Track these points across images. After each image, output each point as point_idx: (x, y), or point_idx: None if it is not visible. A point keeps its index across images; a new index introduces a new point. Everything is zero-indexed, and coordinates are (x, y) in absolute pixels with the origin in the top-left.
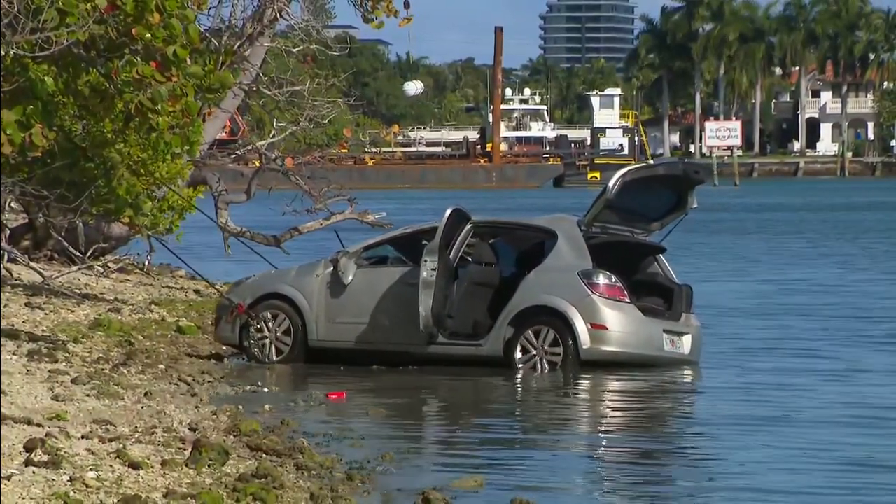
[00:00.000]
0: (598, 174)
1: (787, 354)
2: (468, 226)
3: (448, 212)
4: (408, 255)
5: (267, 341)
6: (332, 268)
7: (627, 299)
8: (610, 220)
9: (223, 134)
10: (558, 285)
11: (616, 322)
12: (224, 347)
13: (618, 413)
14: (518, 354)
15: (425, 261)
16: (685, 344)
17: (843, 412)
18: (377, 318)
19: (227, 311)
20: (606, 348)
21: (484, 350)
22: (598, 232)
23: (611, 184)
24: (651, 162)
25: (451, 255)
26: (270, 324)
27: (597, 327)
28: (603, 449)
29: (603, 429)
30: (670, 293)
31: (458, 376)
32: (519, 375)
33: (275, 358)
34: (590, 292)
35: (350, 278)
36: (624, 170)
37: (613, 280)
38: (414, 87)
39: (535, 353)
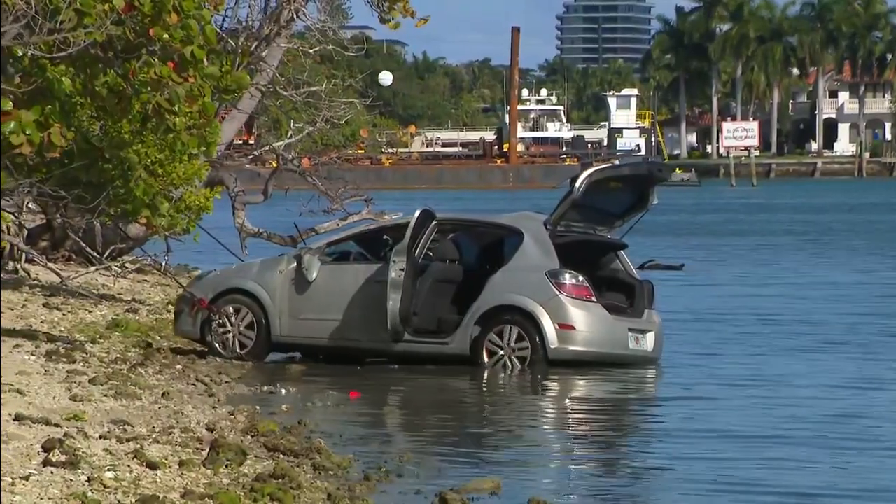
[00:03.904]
0: None
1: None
2: (433, 223)
3: (417, 213)
4: (370, 251)
5: (230, 335)
6: (295, 264)
7: (594, 299)
8: (574, 218)
9: None
10: (525, 285)
11: (583, 322)
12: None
13: (616, 416)
14: (485, 353)
15: (394, 261)
16: (648, 341)
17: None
18: (342, 316)
19: (189, 305)
20: (574, 348)
21: (450, 348)
22: (563, 231)
23: (577, 184)
24: (616, 162)
25: (416, 254)
26: (233, 318)
27: (564, 327)
28: (611, 450)
29: (616, 431)
30: (632, 289)
31: (470, 378)
32: (486, 374)
33: (239, 351)
34: (557, 292)
35: (314, 275)
36: (590, 170)
37: (580, 280)
38: (388, 78)
39: (502, 352)
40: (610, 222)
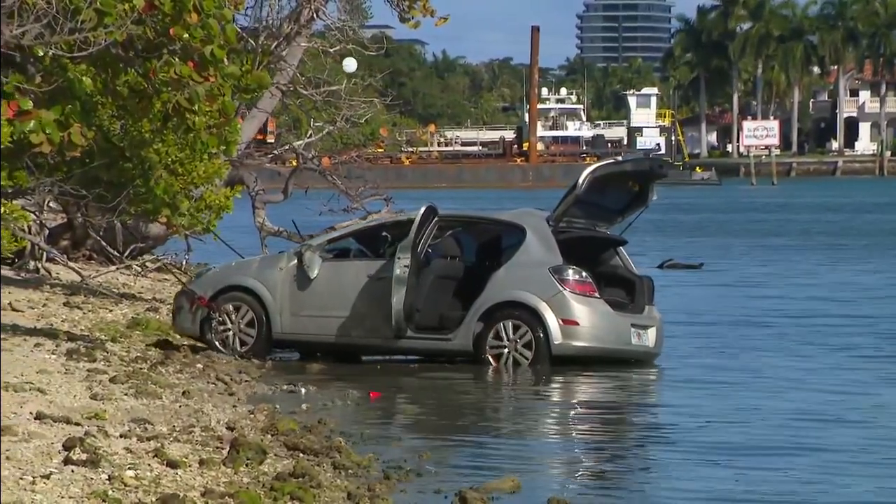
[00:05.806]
0: None
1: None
2: (435, 220)
3: (422, 210)
4: (369, 248)
5: (230, 333)
6: (295, 261)
7: (597, 295)
8: (576, 215)
9: None
10: (529, 281)
11: (587, 317)
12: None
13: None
14: (489, 349)
15: (398, 258)
16: (650, 337)
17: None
18: (343, 312)
19: (188, 302)
20: (577, 343)
21: (453, 344)
22: (565, 227)
23: (580, 180)
24: (619, 158)
25: (419, 251)
26: (233, 316)
27: (568, 323)
28: (638, 448)
29: (640, 428)
30: (632, 285)
31: (486, 377)
32: (501, 373)
33: (240, 349)
34: (561, 288)
35: (316, 272)
36: (593, 166)
37: (584, 275)
38: (352, 65)
39: (506, 348)
40: (610, 219)
